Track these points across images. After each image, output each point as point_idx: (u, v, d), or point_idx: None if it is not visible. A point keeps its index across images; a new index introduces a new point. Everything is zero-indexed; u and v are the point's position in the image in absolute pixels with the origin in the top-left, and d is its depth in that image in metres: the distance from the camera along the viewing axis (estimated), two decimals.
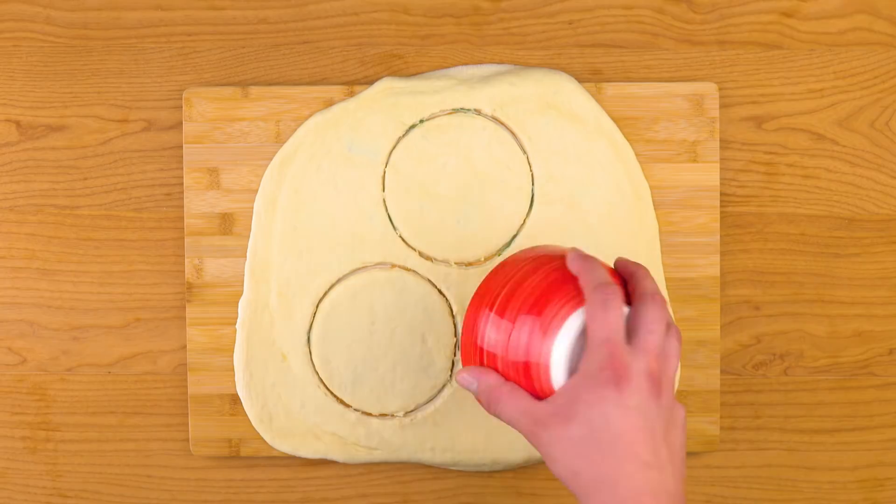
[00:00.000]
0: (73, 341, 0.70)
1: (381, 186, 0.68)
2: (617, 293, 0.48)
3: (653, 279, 0.51)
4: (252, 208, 0.68)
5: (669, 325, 0.50)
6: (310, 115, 0.68)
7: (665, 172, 0.68)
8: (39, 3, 0.70)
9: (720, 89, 0.69)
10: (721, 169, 0.69)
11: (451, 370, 0.68)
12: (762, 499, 0.70)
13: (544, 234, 0.68)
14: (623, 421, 0.46)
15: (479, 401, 0.51)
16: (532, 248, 0.55)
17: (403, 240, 0.68)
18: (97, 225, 0.70)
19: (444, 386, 0.68)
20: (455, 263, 0.68)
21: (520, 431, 0.50)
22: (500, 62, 0.70)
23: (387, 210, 0.68)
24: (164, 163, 0.70)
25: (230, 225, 0.69)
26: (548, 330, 0.49)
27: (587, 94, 0.68)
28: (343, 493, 0.70)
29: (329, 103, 0.68)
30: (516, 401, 0.49)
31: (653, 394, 0.47)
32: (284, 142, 0.68)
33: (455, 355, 0.68)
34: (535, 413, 0.48)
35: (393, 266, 0.68)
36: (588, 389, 0.47)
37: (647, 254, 0.68)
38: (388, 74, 0.70)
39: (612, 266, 0.55)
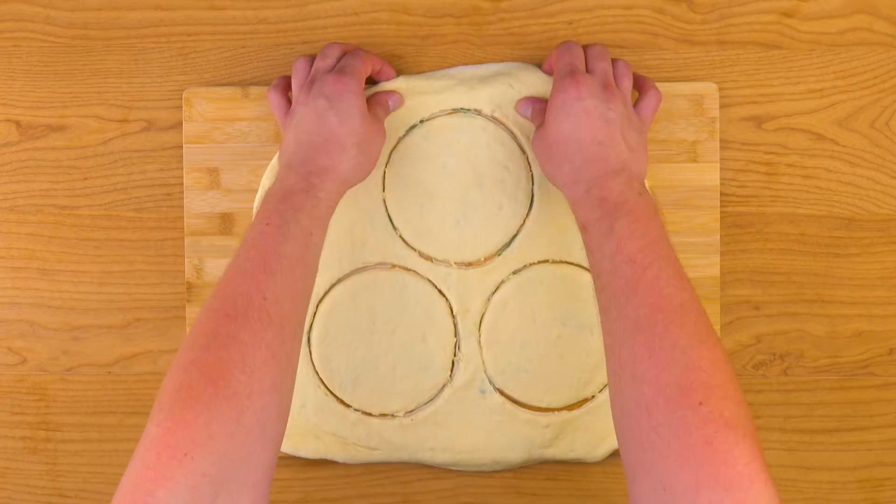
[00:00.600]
0: (73, 341, 0.70)
1: (381, 186, 0.68)
2: (576, 44, 0.63)
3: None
4: (252, 208, 0.68)
5: (614, 61, 0.64)
6: None
7: (665, 172, 0.68)
8: (39, 3, 0.70)
9: (720, 89, 0.69)
10: (721, 169, 0.69)
11: (451, 370, 0.68)
12: None
13: (544, 234, 0.68)
14: (581, 115, 0.59)
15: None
16: None
17: (403, 240, 0.68)
18: (97, 225, 0.70)
19: (444, 386, 0.68)
20: (455, 263, 0.68)
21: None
22: (500, 62, 0.70)
23: (387, 210, 0.68)
24: (164, 163, 0.70)
25: (230, 225, 0.69)
26: None
27: None
28: (343, 493, 0.70)
29: None
30: (539, 115, 0.64)
31: (605, 97, 0.59)
32: None
33: (455, 355, 0.68)
34: (539, 119, 0.64)
35: (393, 266, 0.68)
36: (556, 96, 0.60)
37: None
38: None
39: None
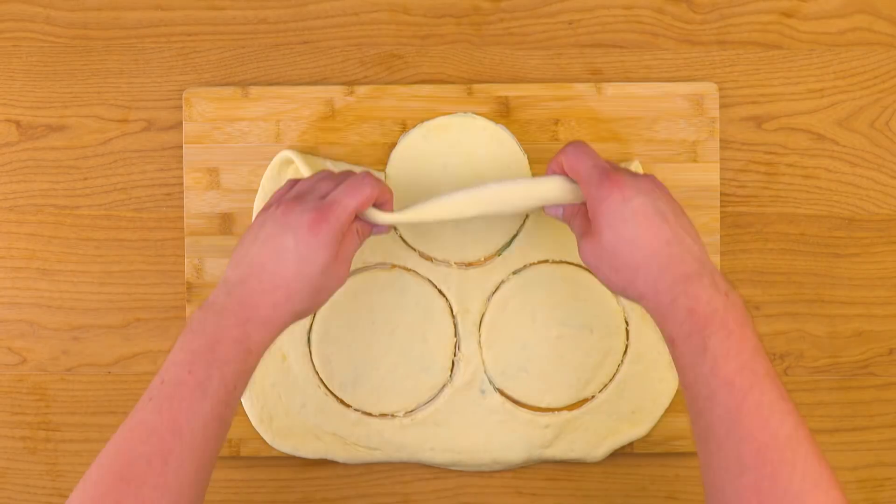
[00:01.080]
0: (73, 341, 0.70)
1: None
2: (584, 143, 0.58)
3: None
4: (252, 208, 0.68)
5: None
6: (310, 115, 0.68)
7: (665, 172, 0.68)
8: (39, 3, 0.70)
9: (720, 89, 0.69)
10: (721, 169, 0.69)
11: (451, 370, 0.68)
12: None
13: (544, 234, 0.68)
14: (637, 217, 0.54)
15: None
16: None
17: (403, 240, 0.68)
18: (97, 225, 0.70)
19: (444, 386, 0.68)
20: (455, 263, 0.68)
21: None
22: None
23: None
24: (164, 163, 0.70)
25: (230, 225, 0.69)
26: None
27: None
28: (343, 493, 0.70)
29: (329, 103, 0.68)
30: (578, 220, 0.59)
31: (648, 188, 0.55)
32: (284, 142, 0.68)
33: (455, 355, 0.68)
34: (585, 229, 0.57)
35: (393, 266, 0.68)
36: (603, 204, 0.54)
37: None
38: (388, 74, 0.70)
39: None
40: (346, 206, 0.56)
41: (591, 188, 0.56)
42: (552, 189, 0.59)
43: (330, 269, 0.56)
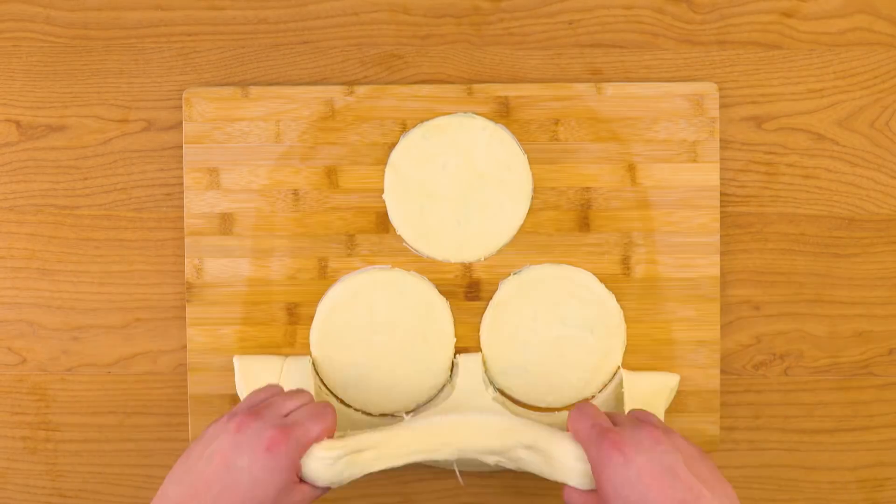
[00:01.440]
0: (73, 341, 0.70)
1: (381, 186, 0.68)
2: (588, 404, 0.57)
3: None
4: (252, 208, 0.68)
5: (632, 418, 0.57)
6: (310, 115, 0.68)
7: (665, 172, 0.68)
8: (39, 3, 0.70)
9: (720, 89, 0.69)
10: (721, 169, 0.69)
11: (451, 370, 0.68)
12: (763, 499, 0.70)
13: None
14: (644, 477, 0.50)
15: None
16: None
17: (403, 240, 0.68)
18: (97, 225, 0.70)
19: (444, 386, 0.68)
20: (455, 263, 0.68)
21: None
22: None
23: (387, 210, 0.68)
24: (164, 163, 0.70)
25: (230, 225, 0.69)
26: None
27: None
28: (343, 493, 0.70)
29: (329, 103, 0.68)
30: (574, 498, 0.56)
31: (652, 441, 0.52)
32: (284, 142, 0.68)
33: (455, 356, 0.68)
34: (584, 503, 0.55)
35: (393, 266, 0.68)
36: (604, 469, 0.51)
37: (646, 250, 0.68)
38: (388, 74, 0.70)
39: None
40: (308, 431, 0.53)
41: (591, 450, 0.53)
42: (562, 457, 0.57)
43: (285, 498, 0.52)
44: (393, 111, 0.68)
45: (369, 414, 0.68)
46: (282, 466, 0.51)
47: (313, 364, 0.68)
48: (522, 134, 0.68)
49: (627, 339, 0.68)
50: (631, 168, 0.68)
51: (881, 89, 0.70)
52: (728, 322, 0.70)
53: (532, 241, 0.68)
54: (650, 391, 0.66)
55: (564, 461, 0.56)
